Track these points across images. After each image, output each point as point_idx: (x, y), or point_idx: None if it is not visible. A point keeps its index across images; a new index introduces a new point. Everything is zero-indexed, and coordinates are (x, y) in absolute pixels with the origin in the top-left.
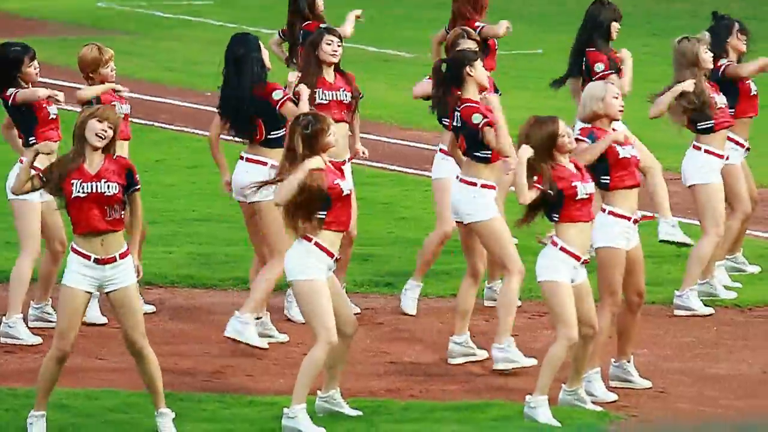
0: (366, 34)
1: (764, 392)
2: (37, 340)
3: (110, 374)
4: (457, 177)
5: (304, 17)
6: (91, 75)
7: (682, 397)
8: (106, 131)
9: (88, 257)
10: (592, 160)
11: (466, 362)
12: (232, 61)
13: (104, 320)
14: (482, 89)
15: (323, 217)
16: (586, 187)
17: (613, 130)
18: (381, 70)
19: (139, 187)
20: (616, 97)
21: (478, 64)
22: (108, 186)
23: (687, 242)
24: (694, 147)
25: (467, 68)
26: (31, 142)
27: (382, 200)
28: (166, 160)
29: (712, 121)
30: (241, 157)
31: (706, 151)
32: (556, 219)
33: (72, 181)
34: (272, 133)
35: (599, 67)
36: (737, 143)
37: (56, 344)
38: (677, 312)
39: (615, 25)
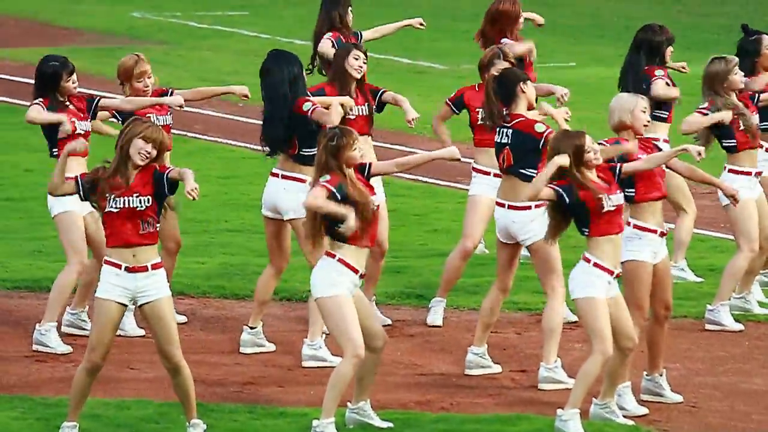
0: (399, 45)
1: None
2: (67, 349)
3: (142, 384)
4: (504, 203)
5: (332, 27)
6: (123, 83)
7: (714, 411)
8: (149, 152)
9: (119, 266)
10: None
11: (482, 374)
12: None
13: (141, 332)
14: (531, 108)
15: (343, 234)
16: (612, 199)
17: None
18: (414, 81)
19: (168, 171)
20: (644, 111)
21: (531, 83)
22: (140, 200)
23: None
24: (724, 167)
25: (521, 85)
26: (54, 153)
27: (414, 212)
28: (199, 170)
29: (735, 141)
30: (275, 174)
31: (730, 170)
32: (587, 233)
33: (106, 195)
34: (305, 150)
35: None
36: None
37: (87, 356)
38: (708, 327)
39: (669, 50)
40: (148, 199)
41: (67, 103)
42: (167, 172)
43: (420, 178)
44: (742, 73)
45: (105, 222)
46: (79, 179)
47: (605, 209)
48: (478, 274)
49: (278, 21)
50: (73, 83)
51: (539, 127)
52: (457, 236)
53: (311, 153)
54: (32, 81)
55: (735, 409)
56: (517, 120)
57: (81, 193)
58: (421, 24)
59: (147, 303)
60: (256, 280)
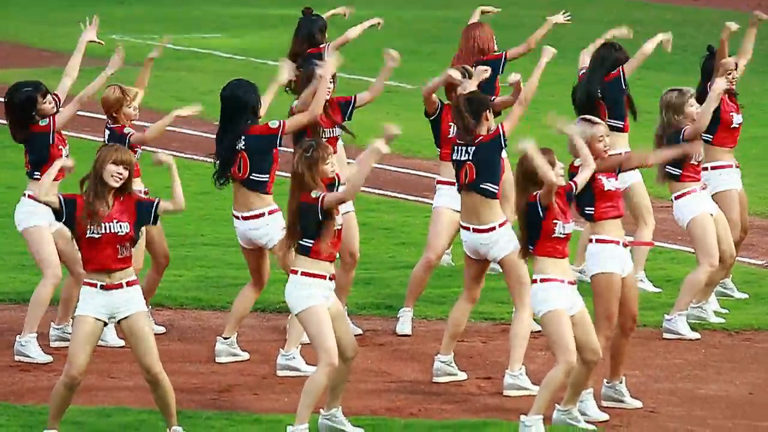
0: (369, 66)
1: (751, 412)
2: (48, 358)
3: (122, 392)
4: (469, 227)
5: (312, 43)
6: (114, 115)
7: (672, 416)
8: (122, 173)
9: (94, 285)
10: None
11: (449, 381)
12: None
13: (122, 343)
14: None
15: (309, 245)
16: (565, 227)
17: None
18: (384, 100)
19: (157, 202)
20: (600, 140)
21: (491, 115)
22: (120, 226)
23: None
24: (672, 197)
25: (486, 112)
26: (35, 176)
27: (383, 226)
28: None
29: (680, 171)
30: (237, 217)
31: (676, 197)
32: (531, 250)
33: (87, 221)
34: (254, 175)
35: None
36: (727, 167)
37: (66, 370)
38: (666, 335)
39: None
40: (128, 226)
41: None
42: (156, 203)
43: (389, 193)
44: (697, 105)
45: (82, 247)
46: (62, 199)
47: (554, 234)
48: (445, 285)
49: (252, 43)
50: (49, 103)
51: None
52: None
53: (262, 179)
54: None
55: (692, 414)
56: (479, 138)
57: (62, 213)
58: (379, 22)
59: (124, 318)
60: (231, 291)
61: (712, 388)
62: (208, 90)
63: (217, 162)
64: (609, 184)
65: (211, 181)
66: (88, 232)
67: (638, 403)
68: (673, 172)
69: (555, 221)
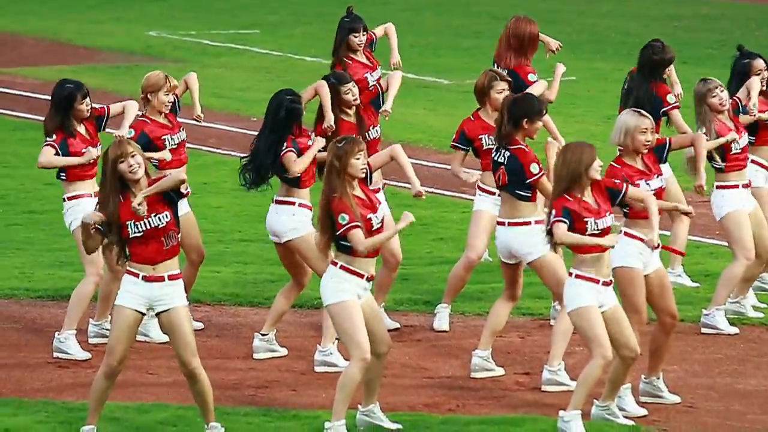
0: (406, 62)
1: None
2: (87, 355)
3: (160, 388)
4: (504, 222)
5: (347, 48)
6: (149, 97)
7: (710, 411)
8: (138, 163)
9: (136, 275)
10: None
11: (487, 377)
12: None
13: (165, 338)
14: (530, 137)
15: (349, 245)
16: (598, 223)
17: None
18: (420, 96)
19: (184, 193)
20: (644, 133)
21: (538, 122)
22: (159, 218)
23: None
24: (714, 186)
25: (525, 121)
26: (61, 176)
27: (420, 221)
28: (214, 182)
29: (724, 164)
30: (273, 201)
31: (718, 187)
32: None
33: (126, 222)
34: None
35: (671, 98)
36: (761, 165)
37: (105, 360)
38: (704, 330)
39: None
40: (167, 215)
41: (78, 128)
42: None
43: (426, 188)
44: (725, 96)
45: (129, 245)
46: (100, 228)
47: (588, 232)
48: (483, 281)
49: (288, 39)
50: (86, 106)
51: (534, 168)
52: (462, 244)
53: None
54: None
55: (730, 409)
56: (517, 146)
57: (110, 237)
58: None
59: (164, 311)
60: (269, 288)
61: (751, 383)
62: (245, 86)
63: (252, 166)
64: (647, 188)
65: (240, 179)
66: (130, 233)
67: (676, 398)
68: (717, 167)
69: (585, 219)
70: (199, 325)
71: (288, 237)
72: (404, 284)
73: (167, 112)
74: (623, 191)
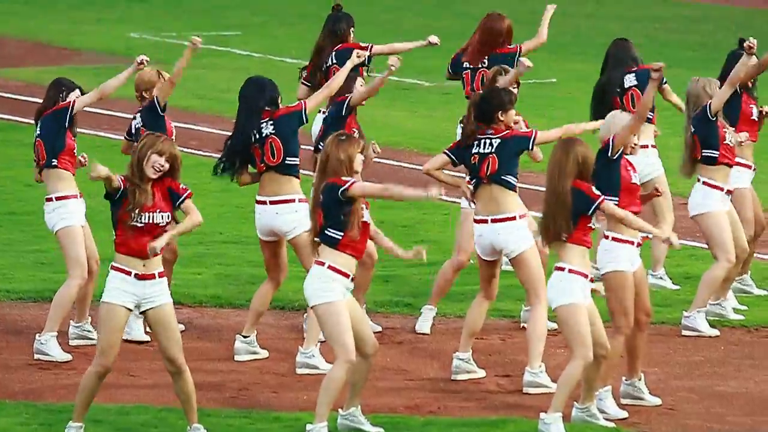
0: (386, 64)
1: None
2: (67, 357)
3: (141, 390)
4: (487, 219)
5: (336, 38)
6: (144, 95)
7: (691, 413)
8: (163, 165)
9: (128, 273)
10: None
11: (468, 379)
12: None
13: (147, 338)
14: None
15: (339, 237)
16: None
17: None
18: (401, 98)
19: (185, 195)
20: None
21: (512, 111)
22: (162, 217)
23: None
24: (698, 180)
25: (499, 113)
26: (53, 164)
27: (402, 223)
28: (196, 184)
29: (717, 152)
30: (263, 202)
31: (704, 183)
32: (566, 239)
33: (132, 211)
34: (289, 159)
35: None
36: (745, 165)
37: (98, 360)
38: (685, 332)
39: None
40: (168, 216)
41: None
42: (185, 196)
43: None
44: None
45: (122, 231)
46: (121, 182)
47: (590, 224)
48: (464, 282)
49: (270, 40)
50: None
51: (524, 131)
52: (444, 246)
53: (294, 162)
54: (33, 99)
55: (711, 411)
56: (503, 133)
57: (115, 195)
58: (436, 42)
59: (151, 309)
60: (250, 289)
61: (732, 385)
62: (226, 88)
63: (232, 153)
64: (635, 177)
65: (216, 173)
66: (131, 220)
67: (657, 401)
68: (711, 155)
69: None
70: (181, 327)
71: (296, 233)
72: (385, 286)
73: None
74: (598, 202)
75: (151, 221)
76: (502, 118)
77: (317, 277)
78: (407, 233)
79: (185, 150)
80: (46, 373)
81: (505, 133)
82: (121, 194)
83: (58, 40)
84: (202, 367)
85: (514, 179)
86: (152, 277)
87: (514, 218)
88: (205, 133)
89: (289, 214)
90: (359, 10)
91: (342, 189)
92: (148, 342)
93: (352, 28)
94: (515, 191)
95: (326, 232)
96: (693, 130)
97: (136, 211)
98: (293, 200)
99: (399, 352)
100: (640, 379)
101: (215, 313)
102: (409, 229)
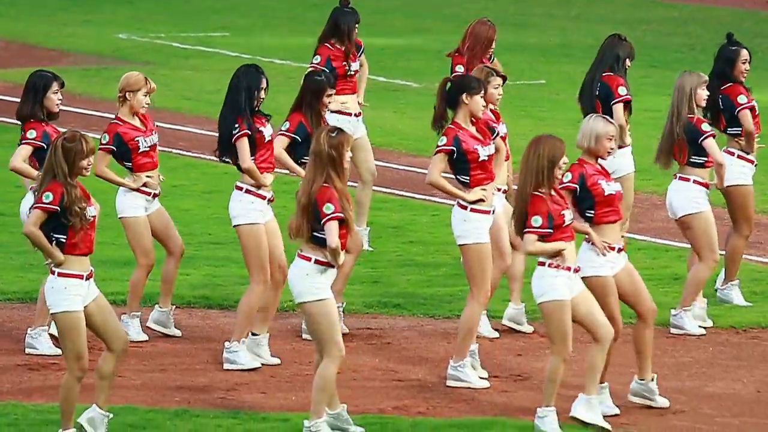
0: (375, 64)
1: (758, 410)
2: (57, 351)
3: (129, 391)
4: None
5: (336, 32)
6: (127, 96)
7: (680, 414)
8: (91, 163)
9: (80, 276)
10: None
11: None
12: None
13: (145, 337)
14: (475, 118)
15: (322, 237)
16: (569, 214)
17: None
18: (389, 99)
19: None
20: (610, 139)
21: (477, 96)
22: (93, 209)
23: None
24: (681, 178)
25: (464, 95)
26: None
27: (390, 224)
28: (184, 185)
29: (705, 158)
30: (239, 188)
31: (695, 181)
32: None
33: (82, 209)
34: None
35: (622, 90)
36: (748, 161)
37: (75, 365)
38: (673, 331)
39: (628, 62)
40: (94, 209)
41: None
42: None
43: (396, 191)
44: (706, 94)
45: (76, 233)
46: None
47: (564, 224)
48: (454, 284)
49: (258, 41)
50: (58, 99)
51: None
52: (433, 247)
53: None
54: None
55: (699, 412)
56: (454, 125)
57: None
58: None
59: (93, 301)
60: (239, 290)
61: (720, 386)
62: (214, 89)
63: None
64: (609, 188)
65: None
66: (81, 219)
67: (666, 403)
68: (699, 160)
69: (562, 213)
70: (176, 333)
71: (235, 223)
72: (374, 287)
73: (143, 113)
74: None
75: (94, 214)
76: (466, 102)
77: (306, 273)
78: (396, 234)
79: (173, 151)
80: (34, 373)
81: (456, 125)
82: (61, 205)
83: (46, 41)
84: (190, 368)
85: (467, 178)
86: (92, 274)
87: (465, 207)
88: (193, 134)
89: (237, 201)
90: None
91: (321, 219)
92: (145, 341)
93: (357, 24)
94: (470, 185)
95: (315, 234)
96: (684, 137)
97: (83, 206)
98: (241, 188)
99: (387, 353)
100: (652, 380)
101: (204, 314)
102: (398, 230)
